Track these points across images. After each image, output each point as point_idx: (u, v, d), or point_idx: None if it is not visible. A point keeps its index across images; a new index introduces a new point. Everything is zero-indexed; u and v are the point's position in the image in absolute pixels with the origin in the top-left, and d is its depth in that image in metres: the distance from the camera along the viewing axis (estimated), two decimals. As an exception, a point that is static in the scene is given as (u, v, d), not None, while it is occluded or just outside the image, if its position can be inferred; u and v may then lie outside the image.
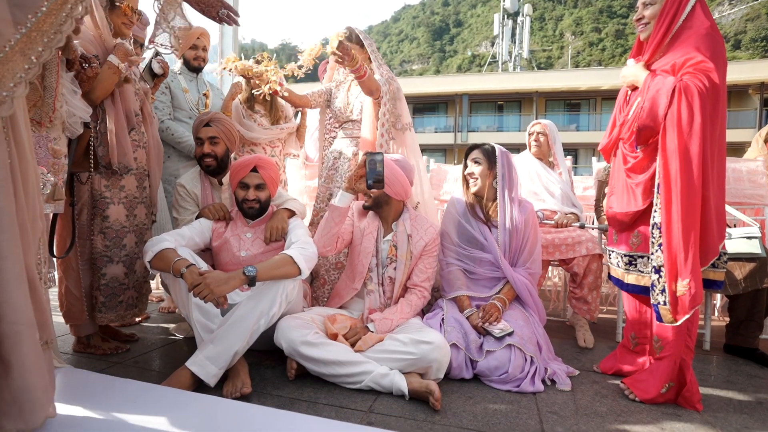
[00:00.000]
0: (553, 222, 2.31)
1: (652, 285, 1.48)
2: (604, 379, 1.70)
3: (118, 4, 1.71)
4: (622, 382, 1.62)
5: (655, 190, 1.48)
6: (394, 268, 1.83)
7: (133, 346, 1.92)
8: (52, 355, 1.15)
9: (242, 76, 2.33)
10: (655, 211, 1.48)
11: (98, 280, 1.74)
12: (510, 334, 1.65)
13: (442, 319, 1.76)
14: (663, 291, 1.43)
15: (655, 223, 1.48)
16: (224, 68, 2.31)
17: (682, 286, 1.39)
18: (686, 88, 1.39)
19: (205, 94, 2.52)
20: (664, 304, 1.43)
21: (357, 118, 2.24)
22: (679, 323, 1.41)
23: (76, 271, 1.75)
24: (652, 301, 1.48)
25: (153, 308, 2.56)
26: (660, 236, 1.45)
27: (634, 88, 1.60)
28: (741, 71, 17.13)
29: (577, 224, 2.28)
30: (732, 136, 13.85)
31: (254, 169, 1.79)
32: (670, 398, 1.50)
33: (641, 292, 1.60)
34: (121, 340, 1.95)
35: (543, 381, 1.62)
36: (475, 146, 2.00)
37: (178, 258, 1.51)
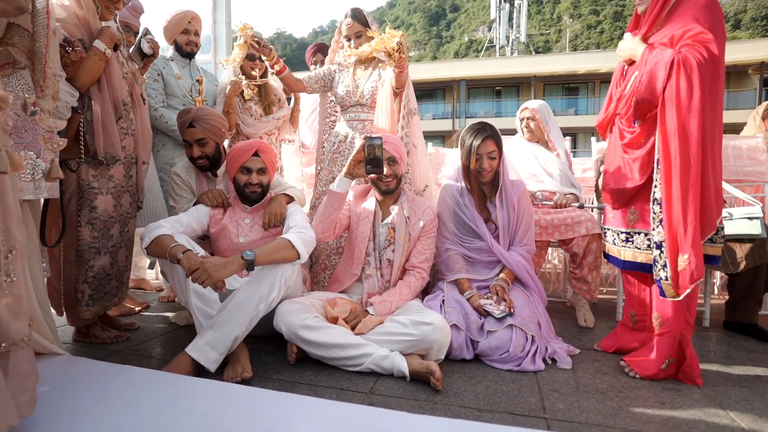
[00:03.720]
0: (552, 203, 2.30)
1: (654, 261, 1.47)
2: (605, 358, 1.70)
3: None
4: (622, 359, 1.62)
5: (655, 165, 1.47)
6: (393, 251, 1.82)
7: (133, 335, 1.91)
8: (22, 360, 1.07)
9: (251, 45, 2.08)
10: (656, 186, 1.47)
11: (85, 272, 1.70)
12: (511, 314, 1.65)
13: (443, 300, 1.76)
14: (665, 266, 1.43)
15: (655, 199, 1.47)
16: (237, 36, 2.07)
17: (683, 260, 1.39)
18: (685, 61, 1.37)
19: (198, 81, 2.48)
20: (666, 279, 1.43)
21: (367, 102, 2.21)
22: (681, 297, 1.42)
23: (58, 262, 1.71)
24: (654, 276, 1.48)
25: (153, 297, 2.56)
26: (661, 212, 1.44)
27: (631, 63, 1.57)
28: (741, 51, 16.93)
29: (576, 204, 2.27)
30: (732, 116, 13.77)
31: (255, 154, 1.78)
32: (671, 374, 1.51)
33: (638, 269, 1.60)
34: (121, 329, 1.95)
35: (544, 360, 1.62)
36: (486, 136, 1.87)
37: (174, 244, 1.49)
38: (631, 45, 1.55)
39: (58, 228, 1.64)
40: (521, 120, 2.50)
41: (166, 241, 1.51)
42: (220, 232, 1.82)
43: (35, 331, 1.43)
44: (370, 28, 2.16)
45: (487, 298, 1.76)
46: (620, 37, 1.75)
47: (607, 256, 1.76)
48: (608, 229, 1.73)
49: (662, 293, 1.45)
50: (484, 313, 1.70)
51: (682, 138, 1.37)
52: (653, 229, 1.48)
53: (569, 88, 20.98)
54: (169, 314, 2.23)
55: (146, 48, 2.00)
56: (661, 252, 1.45)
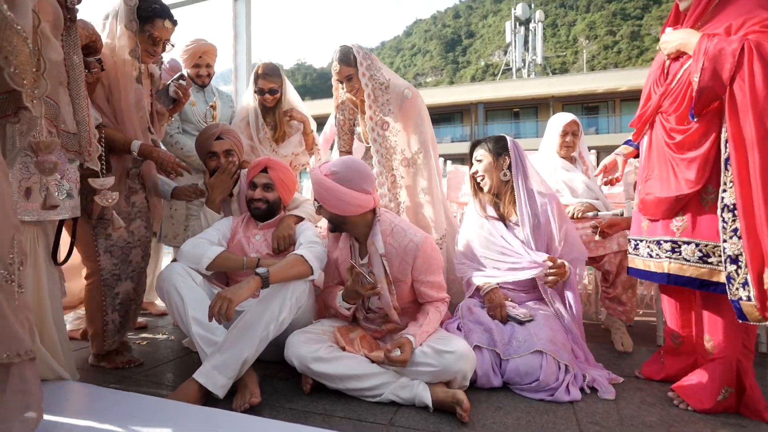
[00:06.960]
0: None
1: (729, 278, 1.27)
2: (649, 386, 1.53)
3: (148, 31, 1.70)
4: (671, 389, 1.45)
5: (722, 166, 1.28)
6: (378, 298, 1.57)
7: (146, 359, 1.85)
8: (28, 374, 1.04)
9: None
10: (725, 191, 1.28)
11: (112, 300, 1.72)
12: (532, 320, 1.59)
13: (459, 325, 1.64)
14: (745, 284, 1.23)
15: (726, 205, 1.28)
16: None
17: None
18: (759, 46, 1.20)
19: (212, 106, 2.50)
20: (749, 299, 1.22)
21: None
22: None
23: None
24: (729, 297, 1.27)
25: (167, 321, 2.52)
26: (734, 220, 1.26)
27: (676, 58, 1.42)
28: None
29: (591, 214, 2.13)
30: None
31: (264, 170, 1.79)
32: (730, 406, 1.32)
33: (685, 284, 1.40)
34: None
35: (581, 389, 1.47)
36: (477, 142, 1.90)
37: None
38: (680, 36, 1.38)
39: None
40: (564, 134, 2.33)
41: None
42: (233, 247, 1.79)
43: (49, 352, 1.40)
44: (359, 66, 1.98)
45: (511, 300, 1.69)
46: (638, 56, 1.67)
47: (632, 270, 1.58)
48: (641, 240, 1.54)
49: (741, 316, 1.24)
50: (504, 321, 1.63)
51: (760, 129, 1.19)
52: (724, 241, 1.28)
53: (588, 107, 20.79)
54: (170, 335, 2.17)
55: (171, 91, 2.09)
56: (738, 267, 1.25)
